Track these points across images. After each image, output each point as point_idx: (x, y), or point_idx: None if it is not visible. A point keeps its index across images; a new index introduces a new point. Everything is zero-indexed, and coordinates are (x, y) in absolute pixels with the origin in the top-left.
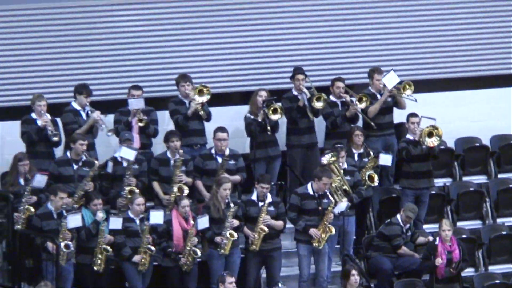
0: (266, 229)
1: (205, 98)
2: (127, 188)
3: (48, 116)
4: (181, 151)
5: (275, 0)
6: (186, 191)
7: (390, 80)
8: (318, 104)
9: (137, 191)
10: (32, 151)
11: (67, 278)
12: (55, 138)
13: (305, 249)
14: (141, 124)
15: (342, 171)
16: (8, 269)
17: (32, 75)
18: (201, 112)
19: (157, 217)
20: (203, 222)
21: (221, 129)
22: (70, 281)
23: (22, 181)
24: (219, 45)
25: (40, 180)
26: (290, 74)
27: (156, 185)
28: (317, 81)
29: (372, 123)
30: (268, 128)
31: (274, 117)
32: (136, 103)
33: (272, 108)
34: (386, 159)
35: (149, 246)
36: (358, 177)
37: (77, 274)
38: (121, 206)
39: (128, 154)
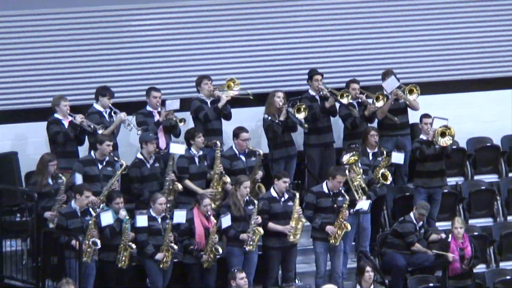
0: (304, 219)
1: (236, 91)
2: (178, 184)
3: (81, 115)
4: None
5: (291, 3)
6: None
7: (390, 84)
8: (344, 100)
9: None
10: (56, 151)
11: (89, 275)
12: (101, 131)
13: (321, 246)
14: (181, 124)
15: (361, 170)
16: (32, 267)
17: (53, 78)
18: (226, 105)
19: (180, 216)
20: (226, 220)
21: (244, 129)
22: (92, 277)
23: (51, 181)
24: (235, 47)
25: (80, 178)
26: (305, 76)
27: (188, 182)
28: (332, 83)
29: (395, 118)
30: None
31: (300, 115)
32: (172, 104)
33: (297, 107)
34: (398, 158)
35: (172, 244)
36: (371, 175)
37: (99, 271)
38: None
39: (177, 149)
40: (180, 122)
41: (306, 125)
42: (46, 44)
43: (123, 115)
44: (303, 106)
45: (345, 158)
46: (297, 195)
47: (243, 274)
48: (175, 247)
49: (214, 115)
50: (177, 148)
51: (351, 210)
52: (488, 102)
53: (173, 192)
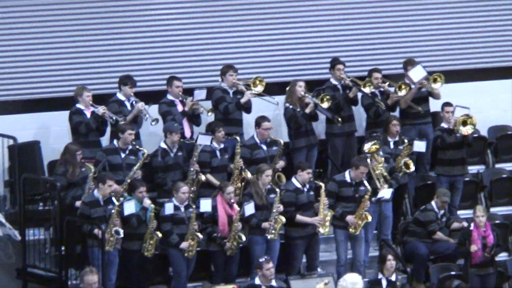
0: (332, 211)
1: (260, 89)
2: (202, 176)
3: (103, 106)
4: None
5: None
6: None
7: (416, 73)
8: (367, 90)
9: (203, 178)
10: (84, 141)
11: (112, 264)
12: (122, 122)
13: (342, 234)
14: (210, 114)
15: (383, 159)
16: (55, 255)
17: (76, 67)
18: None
19: (206, 205)
20: (249, 208)
21: (266, 118)
22: (115, 266)
23: (77, 171)
24: (257, 36)
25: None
26: (327, 65)
27: (210, 177)
28: (354, 72)
29: (419, 108)
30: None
31: (324, 105)
32: (200, 94)
33: (321, 97)
34: (420, 146)
35: (197, 233)
36: (393, 164)
37: (123, 260)
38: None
39: (204, 140)
40: (208, 112)
41: (340, 119)
42: (68, 33)
43: (140, 105)
44: (327, 96)
45: (367, 147)
46: (323, 186)
47: (271, 265)
48: (200, 236)
49: (234, 108)
50: (205, 139)
51: (373, 199)
52: (509, 90)
53: (196, 183)
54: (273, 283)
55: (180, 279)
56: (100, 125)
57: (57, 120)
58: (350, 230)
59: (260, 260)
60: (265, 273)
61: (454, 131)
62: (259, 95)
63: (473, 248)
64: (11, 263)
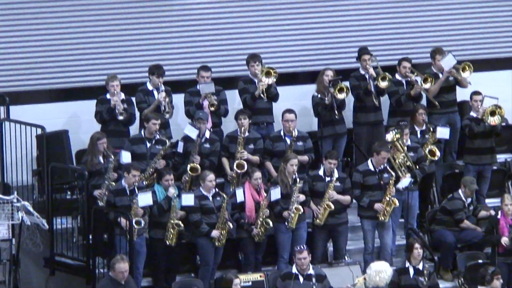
0: (332, 206)
1: (271, 80)
2: (190, 165)
3: (122, 96)
4: (246, 129)
5: None
6: (245, 167)
7: (447, 62)
8: (383, 84)
9: (199, 169)
10: (107, 130)
11: (139, 252)
12: (121, 117)
13: (369, 224)
14: (212, 109)
15: (405, 148)
16: (82, 244)
17: (107, 56)
18: (264, 97)
19: (239, 195)
20: (276, 193)
21: (289, 110)
22: (143, 255)
23: (102, 160)
24: (286, 25)
25: (126, 156)
26: (356, 54)
27: (225, 161)
28: (383, 61)
29: (436, 103)
30: (335, 110)
31: (340, 96)
32: (207, 88)
33: (338, 87)
34: (444, 132)
35: (228, 222)
36: (421, 153)
37: (149, 249)
38: (185, 182)
39: (191, 132)
40: (212, 107)
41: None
42: (99, 22)
43: (160, 96)
44: (345, 86)
45: (389, 136)
46: (334, 177)
47: (303, 255)
48: (231, 225)
49: (251, 101)
50: (191, 131)
51: (398, 187)
52: None
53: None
54: (311, 270)
55: (207, 268)
56: (113, 116)
57: (86, 109)
58: (380, 218)
59: (296, 248)
60: (297, 262)
61: (482, 120)
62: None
63: (505, 240)
64: (39, 252)
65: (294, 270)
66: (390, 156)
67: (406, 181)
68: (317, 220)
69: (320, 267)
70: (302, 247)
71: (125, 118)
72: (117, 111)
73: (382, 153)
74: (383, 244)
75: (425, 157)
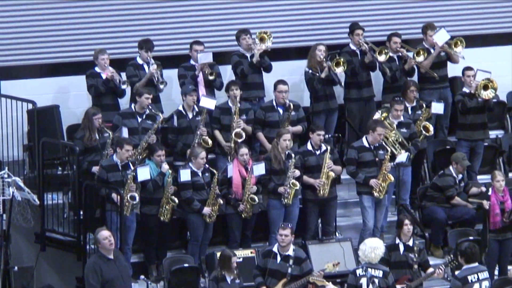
0: (333, 174)
1: (269, 43)
2: (202, 138)
3: (111, 69)
4: (238, 99)
5: None
6: (243, 136)
7: (440, 37)
8: (381, 58)
9: (210, 142)
10: (99, 104)
11: (130, 228)
12: (124, 86)
13: (369, 200)
14: (211, 77)
15: (395, 125)
16: (73, 220)
17: (97, 31)
18: (265, 58)
19: (260, 168)
20: (259, 168)
21: (282, 81)
22: (133, 230)
23: (97, 136)
24: (277, 1)
25: (126, 132)
26: (347, 30)
27: (217, 133)
28: (374, 37)
29: (435, 74)
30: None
31: (338, 70)
32: (204, 57)
33: (335, 61)
34: (438, 108)
35: (218, 198)
36: (414, 129)
37: (141, 224)
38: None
39: (208, 103)
40: (211, 76)
41: (342, 83)
42: None
43: (152, 68)
44: (342, 60)
45: (377, 115)
46: (328, 148)
47: (286, 232)
48: (221, 201)
49: (250, 70)
50: (207, 102)
51: (392, 164)
52: None
53: (202, 146)
54: (290, 252)
55: (197, 244)
56: (111, 88)
57: (77, 84)
58: (375, 194)
59: (281, 224)
60: (277, 238)
61: (475, 95)
62: None
63: (485, 204)
64: (30, 228)
65: (275, 248)
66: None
67: (403, 156)
68: (321, 193)
69: (312, 244)
70: (287, 225)
71: (127, 86)
72: (117, 81)
73: (378, 129)
74: (375, 221)
75: (419, 133)
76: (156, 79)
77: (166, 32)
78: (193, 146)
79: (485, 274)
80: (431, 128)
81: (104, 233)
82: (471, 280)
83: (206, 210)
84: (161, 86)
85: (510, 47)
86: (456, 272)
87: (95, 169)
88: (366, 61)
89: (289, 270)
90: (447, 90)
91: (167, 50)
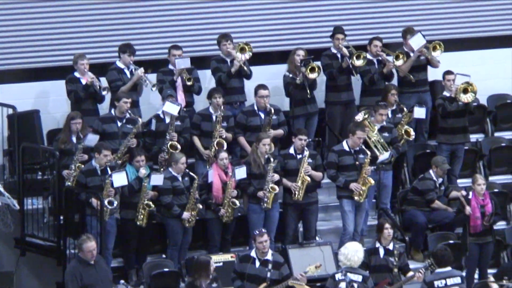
0: (308, 178)
1: (247, 55)
2: (169, 143)
3: (91, 74)
4: (222, 107)
5: None
6: (225, 145)
7: (416, 42)
8: (358, 62)
9: (178, 146)
10: (79, 109)
11: (110, 233)
12: (105, 92)
13: (349, 204)
14: (189, 83)
15: (376, 127)
16: (53, 224)
17: (76, 36)
18: (245, 68)
19: (242, 172)
20: (241, 172)
21: (263, 86)
22: (113, 235)
23: (74, 140)
24: (258, 5)
25: (91, 139)
26: (328, 34)
27: (196, 140)
28: (355, 40)
29: (411, 76)
30: (307, 90)
31: (312, 75)
32: (183, 62)
33: (310, 67)
34: (420, 112)
35: (198, 204)
36: (396, 133)
37: (120, 229)
38: (162, 161)
39: (171, 109)
40: (189, 81)
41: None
42: (67, 2)
43: (140, 71)
44: (317, 65)
45: (358, 117)
46: (306, 153)
47: (264, 238)
48: (201, 206)
49: (226, 78)
50: (171, 108)
51: (373, 167)
52: (509, 59)
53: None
54: (269, 256)
55: (176, 248)
56: (91, 94)
57: (57, 89)
58: (355, 198)
59: (255, 232)
60: (257, 246)
61: (455, 99)
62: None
63: (467, 210)
64: (10, 232)
65: (253, 253)
66: (366, 136)
67: (386, 154)
68: (296, 197)
69: (292, 248)
70: (262, 230)
71: (107, 93)
72: (97, 87)
73: (358, 133)
74: (355, 225)
75: (400, 137)
76: (146, 82)
77: (146, 37)
78: (165, 152)
79: (456, 280)
80: (412, 132)
81: (90, 246)
82: (437, 286)
83: (186, 215)
84: (154, 89)
85: (491, 51)
86: (426, 276)
87: (64, 172)
88: (344, 66)
89: (268, 274)
90: (427, 94)
91: (147, 54)
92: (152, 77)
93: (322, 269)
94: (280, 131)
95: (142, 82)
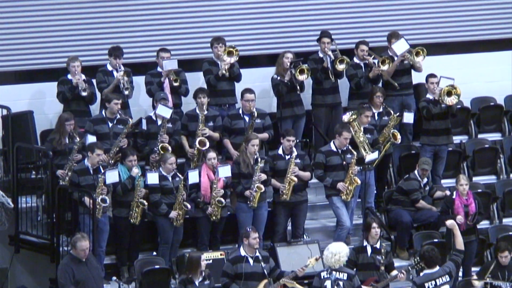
0: (295, 179)
1: (233, 59)
2: (160, 145)
3: (83, 76)
4: (205, 107)
5: None
6: (207, 144)
7: (399, 47)
8: (341, 67)
9: (169, 148)
10: (68, 110)
11: (103, 231)
12: (84, 93)
13: (338, 200)
14: (176, 84)
15: (362, 128)
16: (47, 222)
17: (70, 39)
18: (226, 74)
19: (194, 176)
20: (224, 170)
21: (249, 90)
22: (106, 233)
23: (67, 140)
24: (247, 8)
25: (91, 140)
26: (316, 37)
27: (184, 140)
28: (342, 44)
29: (396, 84)
30: (298, 87)
31: (301, 77)
32: (170, 64)
33: (299, 69)
34: (409, 117)
35: (185, 202)
36: (376, 135)
37: (113, 227)
38: (153, 162)
39: (164, 112)
40: (175, 82)
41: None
42: (62, 5)
43: (118, 74)
44: (306, 67)
45: (345, 117)
46: (294, 154)
47: (256, 234)
48: (188, 206)
49: (215, 81)
50: (163, 111)
51: (359, 168)
52: (492, 63)
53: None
54: (257, 253)
55: (167, 246)
56: (76, 95)
57: (51, 90)
58: (343, 197)
59: (247, 229)
60: (251, 242)
61: (439, 101)
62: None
63: (459, 218)
64: (4, 230)
65: (243, 253)
66: (354, 136)
67: (373, 154)
68: (284, 196)
69: (280, 246)
70: (252, 228)
71: (88, 95)
72: (80, 88)
73: (344, 133)
74: None
75: (387, 139)
76: (122, 85)
77: (136, 40)
78: (157, 153)
79: (445, 279)
80: (399, 135)
81: (84, 245)
82: (428, 287)
83: (173, 214)
84: (126, 92)
85: (476, 54)
86: (416, 277)
87: (59, 172)
88: (325, 65)
89: (263, 269)
90: (411, 98)
91: (137, 57)
92: (139, 79)
93: (309, 267)
94: (265, 135)
95: (120, 85)
